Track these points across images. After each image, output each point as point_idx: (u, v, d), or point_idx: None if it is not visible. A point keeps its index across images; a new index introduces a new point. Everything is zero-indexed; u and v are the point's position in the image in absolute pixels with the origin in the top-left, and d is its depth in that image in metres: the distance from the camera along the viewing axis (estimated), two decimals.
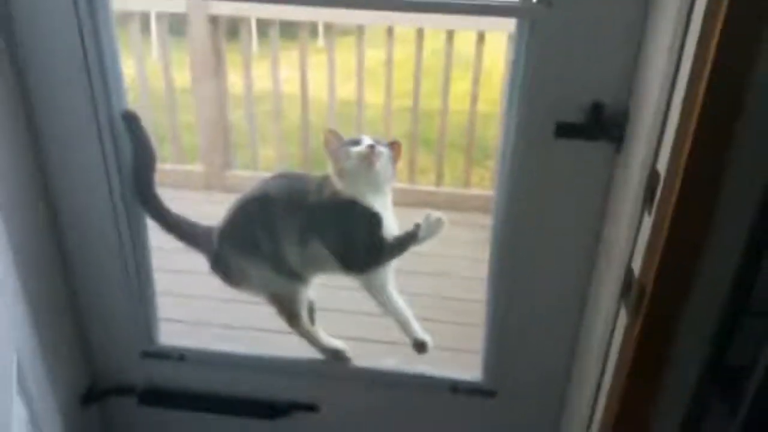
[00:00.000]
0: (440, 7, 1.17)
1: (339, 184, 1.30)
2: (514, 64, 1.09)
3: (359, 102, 2.78)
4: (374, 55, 3.05)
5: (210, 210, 2.76)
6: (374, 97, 3.02)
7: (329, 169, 1.32)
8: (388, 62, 2.71)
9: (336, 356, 1.44)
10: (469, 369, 1.42)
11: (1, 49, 1.11)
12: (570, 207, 1.17)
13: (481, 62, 2.65)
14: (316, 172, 1.38)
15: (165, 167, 2.99)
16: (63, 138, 1.22)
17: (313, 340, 1.43)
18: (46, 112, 1.19)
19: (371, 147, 1.27)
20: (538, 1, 1.01)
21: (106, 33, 1.15)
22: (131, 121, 1.25)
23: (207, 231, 1.39)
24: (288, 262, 1.35)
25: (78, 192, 1.27)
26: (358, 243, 1.34)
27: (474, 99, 2.72)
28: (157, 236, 1.38)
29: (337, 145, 1.31)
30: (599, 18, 1.00)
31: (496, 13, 1.13)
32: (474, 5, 1.07)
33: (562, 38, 1.02)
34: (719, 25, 0.76)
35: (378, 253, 1.33)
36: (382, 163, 1.29)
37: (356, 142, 1.30)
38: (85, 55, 1.13)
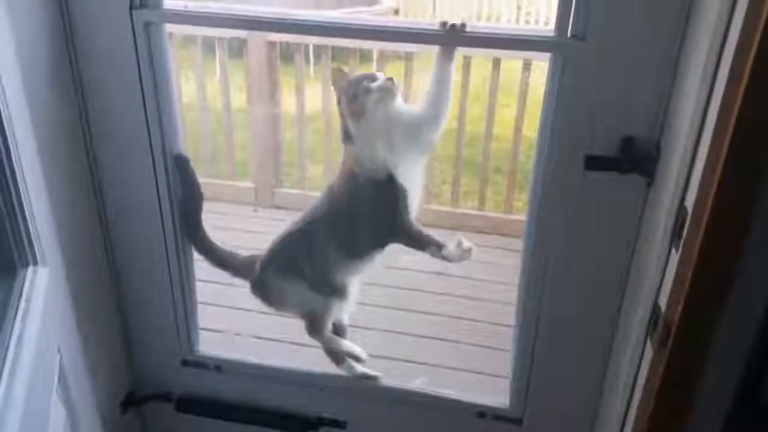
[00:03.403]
0: (476, 41, 1.20)
1: (353, 129, 1.27)
2: (548, 96, 1.11)
3: None
4: (423, 79, 3.10)
5: (257, 225, 2.87)
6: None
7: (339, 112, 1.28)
8: None
9: (364, 377, 1.47)
10: (498, 394, 1.42)
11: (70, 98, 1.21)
12: (600, 239, 1.17)
13: (527, 90, 2.66)
14: None
15: (218, 182, 3.12)
16: (116, 156, 1.31)
17: (333, 347, 1.47)
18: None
19: (391, 79, 1.24)
20: (571, 36, 1.03)
21: (164, 82, 1.23)
22: (182, 163, 1.32)
23: (249, 260, 1.46)
24: (332, 279, 1.39)
25: (129, 208, 1.35)
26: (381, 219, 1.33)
27: (518, 125, 2.73)
28: None
29: (346, 83, 1.28)
30: (631, 53, 1.01)
31: (530, 47, 1.16)
32: (508, 39, 1.10)
33: (594, 72, 1.03)
34: (750, 63, 0.77)
35: (397, 230, 1.32)
36: (399, 101, 1.25)
37: (371, 78, 1.26)
38: (144, 103, 1.22)
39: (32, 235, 1.01)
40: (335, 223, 1.37)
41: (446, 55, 1.22)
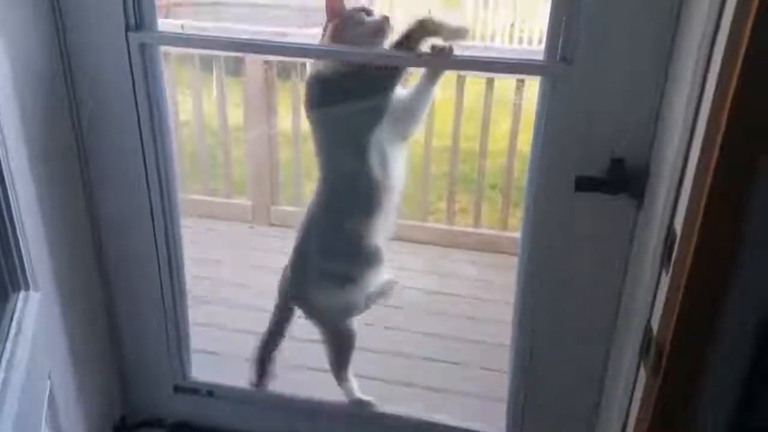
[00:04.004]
0: (466, 65, 1.22)
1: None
2: (538, 118, 1.12)
3: None
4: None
5: (255, 241, 2.86)
6: (418, 135, 3.08)
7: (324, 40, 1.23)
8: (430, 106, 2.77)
9: (362, 407, 1.46)
10: (495, 419, 1.41)
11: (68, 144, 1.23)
12: (592, 260, 1.17)
13: (520, 107, 2.68)
14: None
15: (215, 200, 3.13)
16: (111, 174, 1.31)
17: (346, 389, 1.48)
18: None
19: (386, 18, 1.21)
20: (560, 60, 1.04)
21: (159, 104, 1.24)
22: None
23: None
24: (367, 244, 1.36)
25: (122, 228, 1.36)
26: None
27: (513, 142, 2.74)
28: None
29: (341, 5, 1.24)
30: (619, 76, 1.03)
31: (519, 71, 1.17)
32: (499, 63, 1.12)
33: (582, 95, 1.05)
34: (734, 86, 0.77)
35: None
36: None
37: (366, 12, 1.23)
38: (139, 125, 1.23)
39: (25, 260, 1.01)
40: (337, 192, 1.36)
41: (432, 77, 1.23)
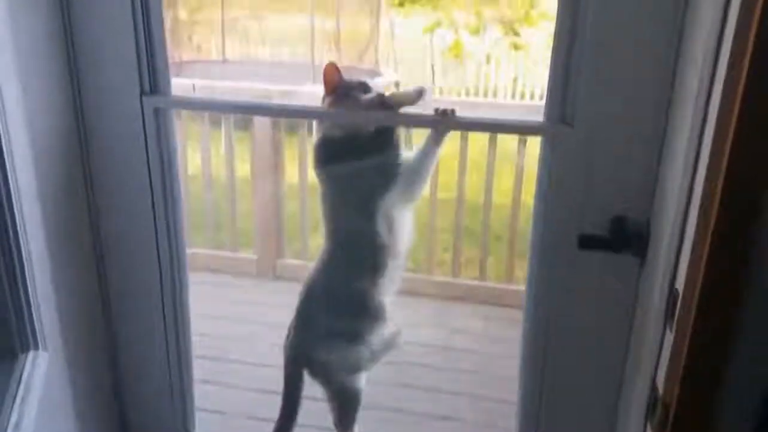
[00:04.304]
0: (468, 126, 1.26)
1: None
2: (540, 177, 1.15)
3: None
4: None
5: (260, 296, 2.86)
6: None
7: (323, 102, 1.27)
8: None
9: None
10: None
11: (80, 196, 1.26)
12: (597, 317, 1.17)
13: (523, 161, 2.73)
14: None
15: (220, 253, 3.15)
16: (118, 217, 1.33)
17: None
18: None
19: (381, 95, 1.23)
20: (560, 122, 1.08)
21: (171, 166, 1.28)
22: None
23: None
24: (371, 300, 1.37)
25: (130, 288, 1.37)
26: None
27: (517, 196, 2.77)
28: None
29: (338, 81, 1.25)
30: (618, 137, 1.05)
31: (521, 131, 1.20)
32: (500, 124, 1.15)
33: (582, 155, 1.07)
34: (728, 149, 0.79)
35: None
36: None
37: (364, 87, 1.24)
38: (151, 186, 1.27)
39: (35, 321, 1.03)
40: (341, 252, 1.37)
41: (436, 139, 1.27)
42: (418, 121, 1.24)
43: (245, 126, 3.17)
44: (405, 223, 1.37)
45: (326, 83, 1.26)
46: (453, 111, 1.15)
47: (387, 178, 1.29)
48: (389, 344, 1.46)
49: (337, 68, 1.25)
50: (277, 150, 3.08)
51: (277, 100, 2.84)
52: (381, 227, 1.31)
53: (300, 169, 3.04)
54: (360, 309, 1.39)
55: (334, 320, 1.41)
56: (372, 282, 1.37)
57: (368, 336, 1.42)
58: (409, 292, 2.63)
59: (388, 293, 1.41)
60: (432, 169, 1.33)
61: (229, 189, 3.14)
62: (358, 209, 1.32)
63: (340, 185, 1.33)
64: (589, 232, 1.10)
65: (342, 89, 1.25)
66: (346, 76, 1.29)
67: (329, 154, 1.33)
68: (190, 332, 1.43)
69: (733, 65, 0.78)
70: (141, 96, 1.21)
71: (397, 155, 1.30)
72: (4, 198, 0.95)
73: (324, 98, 1.28)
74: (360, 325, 1.40)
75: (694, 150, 0.90)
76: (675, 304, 0.94)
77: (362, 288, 1.37)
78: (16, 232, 0.98)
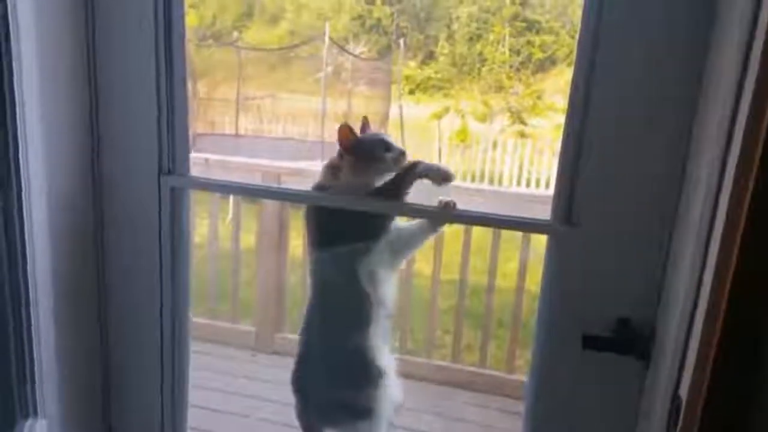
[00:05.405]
0: (471, 220, 1.29)
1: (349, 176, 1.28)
2: (545, 275, 1.16)
3: (407, 271, 2.89)
4: None
5: (255, 370, 2.82)
6: (425, 268, 3.14)
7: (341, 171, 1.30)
8: (437, 239, 2.85)
9: None
10: None
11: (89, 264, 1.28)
12: (600, 420, 1.16)
13: (528, 251, 2.75)
14: None
15: (219, 324, 3.13)
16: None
17: None
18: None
19: (403, 153, 1.26)
20: (565, 221, 1.10)
21: (183, 246, 1.30)
22: None
23: None
24: (371, 363, 1.37)
25: (132, 363, 1.36)
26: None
27: (520, 284, 2.78)
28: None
29: (353, 140, 1.28)
30: (624, 238, 1.07)
31: (527, 228, 1.23)
32: (506, 220, 1.18)
33: (587, 255, 1.09)
34: (737, 252, 0.79)
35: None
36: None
37: (386, 145, 1.27)
38: (161, 264, 1.28)
39: (36, 390, 1.02)
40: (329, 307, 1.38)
41: (431, 227, 1.30)
42: (419, 212, 1.27)
43: (254, 198, 3.23)
44: (389, 280, 1.39)
45: (341, 143, 1.29)
46: (454, 204, 1.18)
47: (370, 241, 1.31)
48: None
49: (350, 128, 1.28)
50: (282, 224, 3.12)
51: (288, 178, 2.92)
52: (364, 280, 1.33)
53: (304, 242, 3.06)
54: (355, 371, 1.39)
55: (333, 388, 1.40)
56: (361, 335, 1.36)
57: (371, 403, 1.40)
58: (407, 375, 2.59)
59: (381, 348, 1.40)
60: (421, 246, 1.36)
61: (233, 260, 3.16)
62: (341, 265, 1.34)
63: (323, 239, 1.36)
64: (593, 331, 1.11)
65: (361, 148, 1.28)
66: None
67: (318, 211, 1.36)
68: (187, 408, 1.41)
69: (739, 174, 0.78)
70: (159, 175, 1.24)
71: (383, 222, 1.32)
72: (21, 271, 0.97)
73: (342, 155, 1.30)
74: (359, 390, 1.39)
75: (701, 255, 0.90)
76: (678, 412, 0.93)
77: (352, 344, 1.37)
78: (27, 303, 1.00)
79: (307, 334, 1.43)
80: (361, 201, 1.27)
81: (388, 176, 1.27)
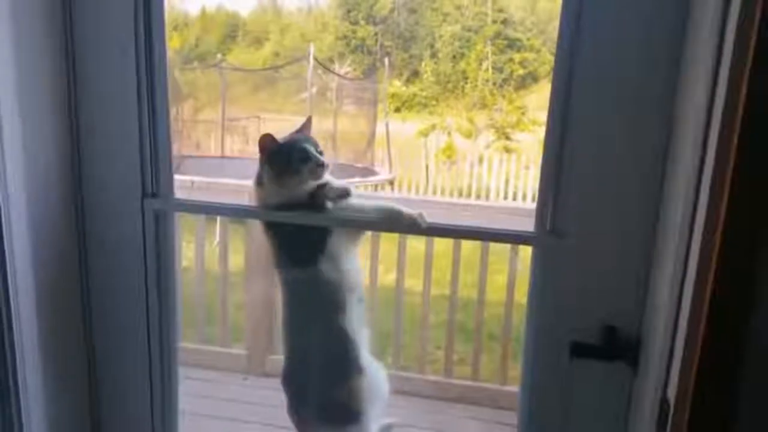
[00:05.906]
0: (462, 234, 1.29)
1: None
2: (531, 285, 1.17)
3: (398, 289, 2.89)
4: (417, 245, 3.23)
5: (247, 394, 2.79)
6: (416, 284, 3.14)
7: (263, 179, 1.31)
8: (427, 255, 2.86)
9: None
10: None
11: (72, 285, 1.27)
12: (592, 425, 1.16)
13: (516, 262, 2.76)
14: None
15: (210, 348, 3.10)
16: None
17: None
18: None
19: (321, 165, 1.26)
20: (549, 232, 1.11)
21: (168, 269, 1.29)
22: None
23: None
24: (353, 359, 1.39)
25: (121, 393, 1.34)
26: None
27: (510, 297, 2.79)
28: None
29: (274, 149, 1.28)
30: (608, 248, 1.08)
31: (511, 240, 1.24)
32: (491, 233, 1.19)
33: (573, 265, 1.10)
34: (715, 259, 0.81)
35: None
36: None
37: (305, 156, 1.26)
38: (147, 288, 1.28)
39: (24, 425, 1.01)
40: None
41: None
42: (406, 228, 1.28)
43: (240, 219, 3.22)
44: (352, 259, 1.40)
45: (261, 151, 1.31)
46: (421, 215, 1.19)
47: (321, 234, 1.34)
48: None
49: (272, 137, 1.29)
50: None
51: None
52: (325, 266, 1.35)
53: None
54: (337, 365, 1.41)
55: (319, 387, 1.43)
56: (336, 323, 1.38)
57: (359, 405, 1.42)
58: (400, 391, 2.58)
59: (359, 334, 1.42)
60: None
61: (221, 283, 3.14)
62: (300, 258, 1.37)
63: (281, 240, 1.40)
64: (580, 340, 1.11)
65: (279, 157, 1.29)
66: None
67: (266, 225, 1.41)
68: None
69: (714, 184, 0.80)
70: (143, 198, 1.23)
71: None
72: (2, 301, 0.96)
73: (263, 165, 1.31)
74: (343, 387, 1.41)
75: (682, 262, 0.92)
76: (666, 416, 0.94)
77: (328, 331, 1.39)
78: (11, 328, 0.99)
79: (288, 333, 1.46)
80: (346, 217, 1.28)
81: (309, 186, 1.27)
